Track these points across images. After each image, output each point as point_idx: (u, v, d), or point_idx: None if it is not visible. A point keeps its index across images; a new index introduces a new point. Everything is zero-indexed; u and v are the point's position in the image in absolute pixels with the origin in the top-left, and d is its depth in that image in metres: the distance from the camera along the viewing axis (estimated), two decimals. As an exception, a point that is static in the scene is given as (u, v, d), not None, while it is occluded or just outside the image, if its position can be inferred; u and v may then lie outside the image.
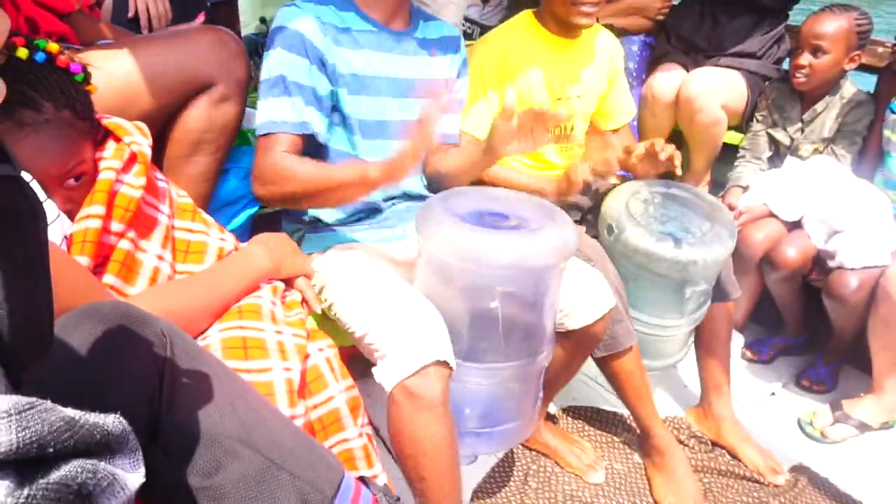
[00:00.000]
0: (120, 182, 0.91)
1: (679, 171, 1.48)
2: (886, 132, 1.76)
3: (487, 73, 1.54)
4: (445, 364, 1.00)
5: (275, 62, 1.17)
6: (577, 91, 1.62)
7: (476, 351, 1.11)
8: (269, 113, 1.16)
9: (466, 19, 2.77)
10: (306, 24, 1.17)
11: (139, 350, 0.68)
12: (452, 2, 1.84)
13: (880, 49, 1.90)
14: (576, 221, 1.61)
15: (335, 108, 1.24)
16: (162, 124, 1.26)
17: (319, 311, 1.14)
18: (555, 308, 1.19)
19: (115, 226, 0.89)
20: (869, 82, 1.91)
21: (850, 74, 1.85)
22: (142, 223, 0.93)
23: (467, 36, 2.67)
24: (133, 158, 0.94)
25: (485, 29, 2.60)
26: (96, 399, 0.51)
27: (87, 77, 0.92)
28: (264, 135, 1.16)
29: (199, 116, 1.25)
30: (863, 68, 1.85)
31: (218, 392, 0.72)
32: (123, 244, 0.90)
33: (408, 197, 1.38)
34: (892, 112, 1.75)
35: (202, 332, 0.92)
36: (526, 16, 1.63)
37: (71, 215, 0.88)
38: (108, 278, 0.88)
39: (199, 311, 0.92)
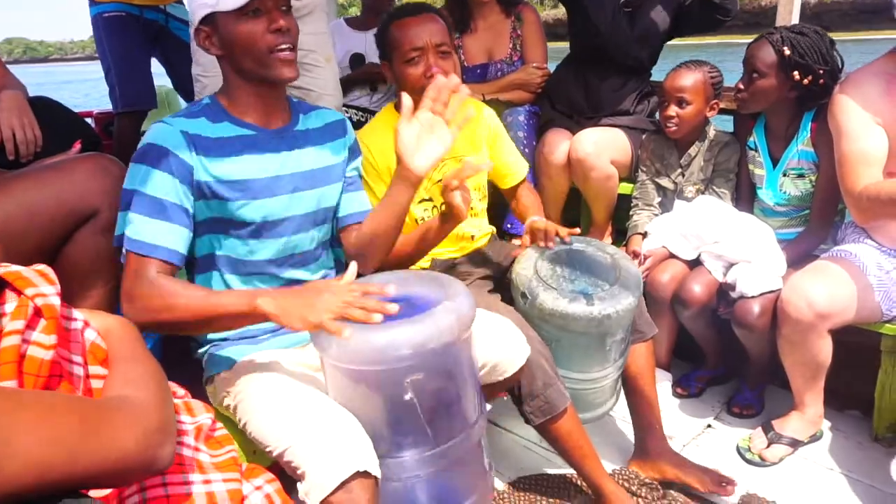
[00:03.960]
0: (27, 342, 0.79)
1: (578, 230, 1.55)
2: (750, 166, 1.94)
3: (366, 172, 1.54)
4: (368, 474, 0.97)
5: (141, 178, 1.14)
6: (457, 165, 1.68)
7: (405, 445, 1.08)
8: (140, 232, 1.11)
9: (357, 108, 2.85)
10: (174, 140, 1.16)
11: None
12: (328, 94, 1.89)
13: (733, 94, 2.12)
14: (489, 291, 1.64)
15: (219, 217, 1.21)
16: (45, 262, 1.19)
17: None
18: (474, 375, 1.18)
19: None
20: (729, 123, 2.12)
21: (712, 119, 2.03)
22: (54, 384, 0.81)
23: (360, 124, 2.73)
24: (38, 312, 0.82)
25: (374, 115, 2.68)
26: None
27: None
28: (136, 253, 1.11)
29: (86, 248, 1.19)
30: (721, 111, 2.04)
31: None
32: None
33: None
34: (750, 148, 1.94)
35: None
36: (386, 110, 1.68)
37: None
38: None
39: None
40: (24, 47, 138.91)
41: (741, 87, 1.82)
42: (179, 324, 1.09)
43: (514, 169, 1.80)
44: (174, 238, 1.14)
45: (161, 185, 1.14)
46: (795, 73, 1.72)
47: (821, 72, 1.72)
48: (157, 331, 1.17)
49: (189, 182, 1.16)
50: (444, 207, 1.36)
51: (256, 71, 1.20)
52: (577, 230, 1.56)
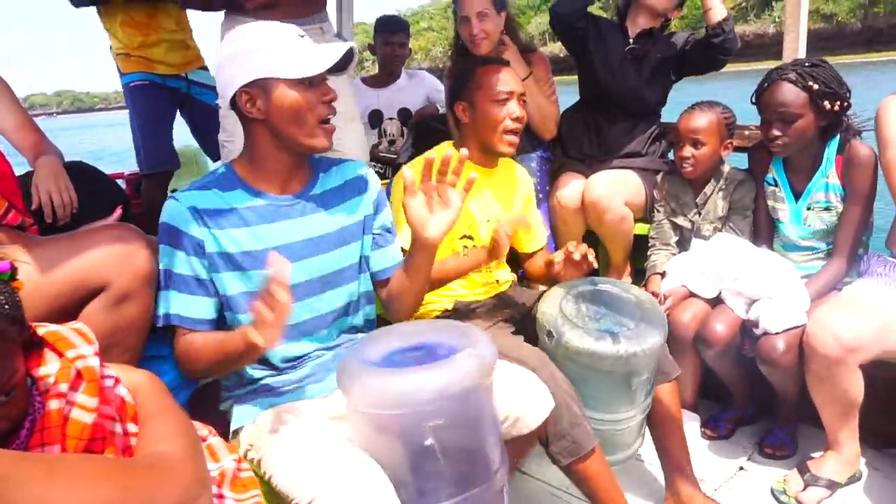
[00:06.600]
0: (71, 404, 0.79)
1: (596, 264, 1.55)
2: (770, 202, 1.94)
3: None
4: None
5: (164, 256, 1.22)
6: (498, 215, 1.73)
7: (427, 492, 1.07)
8: (171, 305, 1.22)
9: (379, 157, 2.94)
10: (182, 217, 1.19)
11: None
12: (353, 154, 1.94)
13: (746, 132, 2.14)
14: (512, 332, 1.65)
15: (230, 290, 1.22)
16: None
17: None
18: (496, 423, 1.17)
19: None
20: (742, 160, 2.13)
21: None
22: (97, 447, 0.82)
23: (382, 175, 2.81)
24: (79, 374, 0.83)
25: (397, 168, 2.75)
26: None
27: (13, 273, 0.84)
28: (172, 324, 1.22)
29: (97, 323, 1.14)
30: (735, 149, 2.06)
31: None
32: None
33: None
34: (769, 184, 1.95)
35: None
36: (447, 146, 1.76)
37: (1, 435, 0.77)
38: None
39: None
40: (72, 99, 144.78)
41: (777, 133, 1.79)
42: (210, 370, 1.20)
43: (537, 235, 1.87)
44: (199, 308, 1.22)
45: (177, 261, 1.20)
46: (826, 103, 1.74)
47: (847, 94, 1.75)
48: (207, 377, 1.28)
49: (202, 255, 1.20)
50: (488, 243, 1.55)
51: (298, 138, 1.19)
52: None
